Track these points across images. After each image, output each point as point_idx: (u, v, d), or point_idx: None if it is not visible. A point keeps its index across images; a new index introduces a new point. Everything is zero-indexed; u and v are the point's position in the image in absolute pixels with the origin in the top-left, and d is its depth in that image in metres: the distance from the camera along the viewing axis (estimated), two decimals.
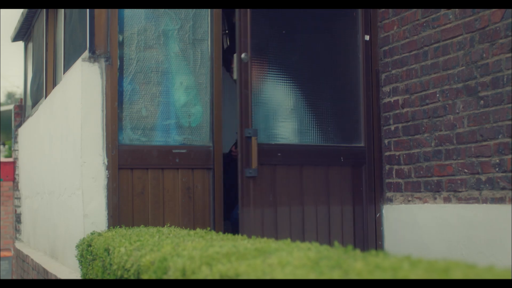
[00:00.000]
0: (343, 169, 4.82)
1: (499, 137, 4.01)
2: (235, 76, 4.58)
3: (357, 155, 4.92)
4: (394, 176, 4.92)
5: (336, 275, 1.66)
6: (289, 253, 2.15)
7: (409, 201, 4.77)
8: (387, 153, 4.99)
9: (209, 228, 4.12)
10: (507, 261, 3.83)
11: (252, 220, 4.46)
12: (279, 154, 4.56)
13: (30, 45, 8.11)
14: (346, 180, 4.85)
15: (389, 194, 4.96)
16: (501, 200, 4.00)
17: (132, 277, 2.89)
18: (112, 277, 3.25)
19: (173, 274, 2.35)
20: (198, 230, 3.66)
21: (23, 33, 8.24)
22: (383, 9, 5.00)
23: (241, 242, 2.71)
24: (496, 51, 4.04)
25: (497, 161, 4.03)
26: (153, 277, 2.54)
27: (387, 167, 4.98)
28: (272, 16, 4.75)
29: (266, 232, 4.51)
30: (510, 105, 3.93)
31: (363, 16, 5.02)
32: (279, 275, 1.76)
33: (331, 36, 4.97)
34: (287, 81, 4.75)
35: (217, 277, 2.03)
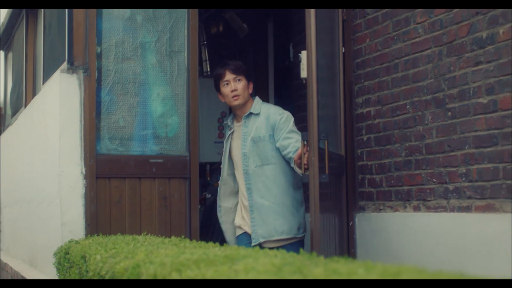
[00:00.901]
0: (337, 177, 4.89)
1: (466, 147, 4.15)
2: (303, 74, 4.52)
3: (340, 163, 5.00)
4: (366, 185, 5.04)
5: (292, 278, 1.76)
6: (255, 260, 2.26)
7: (380, 209, 4.89)
8: (359, 163, 5.11)
9: (183, 236, 4.21)
10: (473, 269, 3.95)
11: (320, 227, 4.39)
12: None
13: (10, 54, 8.19)
14: (337, 188, 4.92)
15: (361, 203, 5.08)
16: (467, 209, 4.13)
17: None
18: None
19: (144, 279, 2.45)
20: (173, 238, 3.76)
21: (3, 43, 8.32)
22: (356, 22, 5.13)
23: (212, 250, 2.82)
24: (462, 65, 4.17)
25: (464, 171, 4.16)
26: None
27: (360, 176, 5.10)
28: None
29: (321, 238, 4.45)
30: (476, 117, 4.07)
31: (341, 28, 5.10)
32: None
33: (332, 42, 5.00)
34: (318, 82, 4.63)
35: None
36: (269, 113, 4.70)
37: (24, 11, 6.81)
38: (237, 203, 4.83)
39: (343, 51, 5.06)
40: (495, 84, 3.94)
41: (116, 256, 3.06)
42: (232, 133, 4.81)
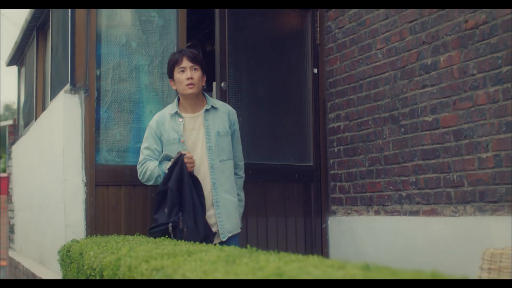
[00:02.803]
0: (297, 185, 5.55)
1: (415, 159, 4.75)
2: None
3: (307, 173, 5.65)
4: (337, 191, 5.65)
5: (221, 267, 2.38)
6: (207, 253, 2.87)
7: (348, 213, 5.50)
8: (332, 172, 5.72)
9: (166, 236, 4.82)
10: (419, 265, 4.55)
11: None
12: (249, 171, 5.19)
13: (23, 69, 8.84)
14: (299, 194, 5.58)
15: (333, 207, 5.69)
16: (416, 213, 4.73)
17: (97, 275, 3.60)
18: (83, 276, 3.97)
19: (122, 270, 3.07)
20: (158, 238, 4.38)
21: (16, 59, 8.97)
22: (329, 46, 5.75)
23: (181, 246, 3.43)
24: (412, 87, 4.78)
25: (414, 180, 4.76)
26: (110, 273, 3.26)
27: (332, 184, 5.72)
28: (245, 48, 5.48)
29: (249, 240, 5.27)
30: (423, 133, 4.67)
31: (312, 51, 5.76)
32: (187, 267, 2.49)
33: (287, 67, 5.71)
34: (254, 107, 5.46)
35: (150, 269, 2.75)
36: (229, 110, 4.70)
37: (35, 31, 7.46)
38: None
39: (315, 72, 5.69)
40: (437, 104, 4.55)
41: (105, 252, 3.68)
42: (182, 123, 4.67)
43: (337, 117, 5.65)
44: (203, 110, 4.62)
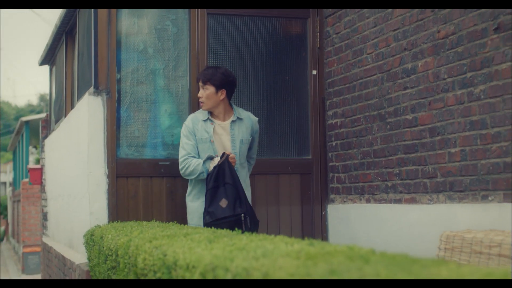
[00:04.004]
0: (292, 177, 6.16)
1: (398, 153, 5.32)
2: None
3: (305, 165, 6.25)
4: (335, 182, 6.23)
5: (204, 244, 2.99)
6: (201, 234, 3.48)
7: (344, 201, 6.08)
8: (330, 164, 6.30)
9: (176, 222, 5.44)
10: (401, 248, 5.12)
11: None
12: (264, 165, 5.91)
13: (54, 69, 9.53)
14: (295, 185, 6.18)
15: (332, 196, 6.28)
16: (399, 201, 5.31)
17: (113, 255, 4.23)
18: (103, 256, 4.61)
19: (131, 249, 3.69)
20: (168, 223, 5.01)
21: (48, 59, 9.65)
22: (327, 49, 6.32)
23: (183, 230, 4.04)
24: (396, 88, 5.34)
25: (397, 171, 5.33)
26: (123, 252, 3.89)
27: (331, 174, 6.30)
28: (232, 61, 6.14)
29: None
30: (404, 129, 5.24)
31: (311, 55, 6.34)
32: (177, 244, 3.10)
33: (283, 73, 6.31)
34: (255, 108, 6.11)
35: (151, 247, 3.37)
36: (252, 120, 5.54)
37: (64, 35, 8.12)
38: None
39: (314, 73, 6.28)
40: (416, 105, 5.11)
41: (120, 235, 4.31)
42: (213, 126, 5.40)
43: (334, 114, 6.23)
44: (230, 120, 5.41)
